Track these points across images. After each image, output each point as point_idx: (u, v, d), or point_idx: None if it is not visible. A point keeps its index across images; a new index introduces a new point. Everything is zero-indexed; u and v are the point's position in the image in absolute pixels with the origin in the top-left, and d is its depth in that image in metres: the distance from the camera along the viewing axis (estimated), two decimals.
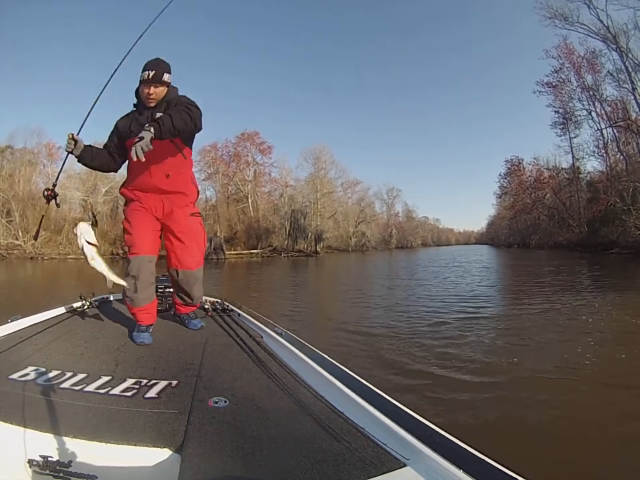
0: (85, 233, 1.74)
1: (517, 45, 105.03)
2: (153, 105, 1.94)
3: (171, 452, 0.95)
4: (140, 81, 1.91)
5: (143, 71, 1.89)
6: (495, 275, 13.39)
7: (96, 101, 2.10)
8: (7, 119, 61.14)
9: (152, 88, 1.89)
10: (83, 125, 2.05)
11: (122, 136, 1.99)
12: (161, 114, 1.89)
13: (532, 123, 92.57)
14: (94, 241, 1.76)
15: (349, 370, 1.35)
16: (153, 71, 1.86)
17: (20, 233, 29.14)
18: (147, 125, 1.70)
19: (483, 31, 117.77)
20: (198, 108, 1.89)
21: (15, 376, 1.30)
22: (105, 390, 1.24)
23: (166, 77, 1.91)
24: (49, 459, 0.81)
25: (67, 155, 1.94)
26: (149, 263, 1.93)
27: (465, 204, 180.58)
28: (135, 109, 2.03)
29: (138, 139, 1.64)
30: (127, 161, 2.01)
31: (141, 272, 1.89)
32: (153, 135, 1.68)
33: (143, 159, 1.63)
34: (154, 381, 1.32)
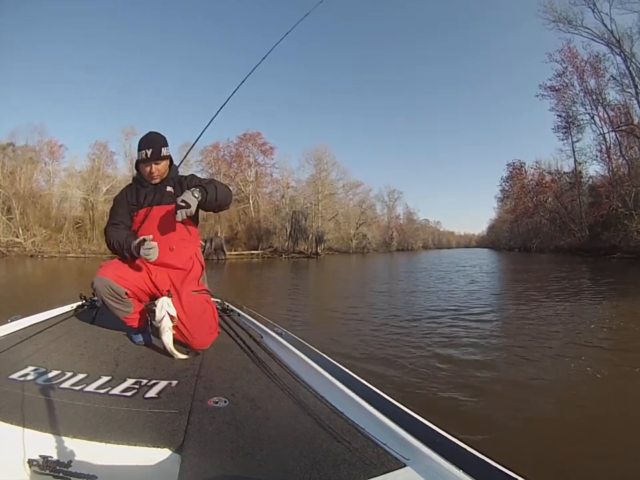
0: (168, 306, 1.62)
1: (521, 49, 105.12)
2: (157, 181, 1.91)
3: (170, 452, 0.95)
4: (138, 160, 1.87)
5: (139, 149, 1.84)
6: (500, 281, 13.10)
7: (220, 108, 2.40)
8: (8, 117, 61.37)
9: (153, 166, 1.85)
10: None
11: (128, 208, 1.91)
12: (171, 189, 1.89)
13: (534, 126, 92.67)
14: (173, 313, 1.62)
15: (349, 370, 1.35)
16: (150, 149, 1.81)
17: (20, 231, 29.23)
18: (194, 190, 1.69)
19: (489, 34, 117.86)
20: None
21: (15, 376, 1.30)
22: (105, 390, 1.23)
23: (164, 151, 1.86)
24: (49, 458, 0.81)
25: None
26: (106, 286, 1.74)
27: (466, 207, 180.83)
28: (134, 181, 1.97)
29: (183, 203, 1.64)
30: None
31: (99, 292, 1.75)
32: (198, 201, 1.68)
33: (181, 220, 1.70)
34: (154, 381, 1.32)
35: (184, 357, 1.61)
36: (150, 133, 1.89)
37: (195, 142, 2.51)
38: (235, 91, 2.48)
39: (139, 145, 1.85)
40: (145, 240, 1.68)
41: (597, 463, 1.92)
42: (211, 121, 2.40)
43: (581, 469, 1.89)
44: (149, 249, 1.68)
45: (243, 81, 2.49)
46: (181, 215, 1.67)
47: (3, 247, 27.47)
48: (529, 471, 0.85)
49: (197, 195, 1.68)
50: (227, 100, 2.47)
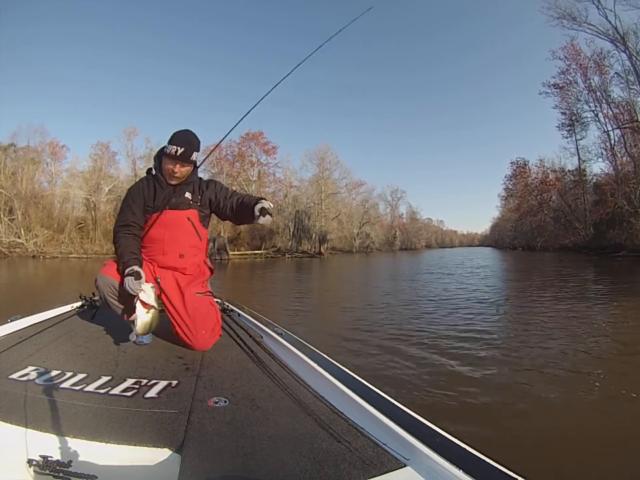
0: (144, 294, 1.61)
1: (522, 47, 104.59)
2: (175, 182, 1.83)
3: (170, 452, 0.95)
4: (165, 153, 1.77)
5: (171, 143, 1.74)
6: (515, 285, 12.06)
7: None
8: (9, 118, 61.42)
9: (178, 166, 1.77)
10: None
11: (143, 205, 1.83)
12: (190, 194, 1.84)
13: (538, 124, 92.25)
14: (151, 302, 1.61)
15: (349, 370, 1.34)
16: (182, 149, 1.72)
17: (22, 232, 29.30)
18: (268, 203, 1.72)
19: (488, 33, 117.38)
20: None
21: (15, 376, 1.30)
22: (105, 390, 1.23)
23: (194, 156, 1.79)
24: (49, 458, 0.81)
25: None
26: (108, 285, 1.74)
27: (469, 206, 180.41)
28: (151, 176, 1.88)
29: (268, 205, 1.70)
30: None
31: (101, 290, 1.75)
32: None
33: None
34: (154, 381, 1.32)
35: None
36: (188, 131, 1.80)
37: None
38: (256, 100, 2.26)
39: (172, 138, 1.75)
40: (141, 279, 1.63)
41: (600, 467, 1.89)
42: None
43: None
44: (136, 287, 1.61)
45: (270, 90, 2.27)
46: (265, 220, 1.69)
47: (5, 248, 27.53)
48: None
49: (269, 209, 1.72)
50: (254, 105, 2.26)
